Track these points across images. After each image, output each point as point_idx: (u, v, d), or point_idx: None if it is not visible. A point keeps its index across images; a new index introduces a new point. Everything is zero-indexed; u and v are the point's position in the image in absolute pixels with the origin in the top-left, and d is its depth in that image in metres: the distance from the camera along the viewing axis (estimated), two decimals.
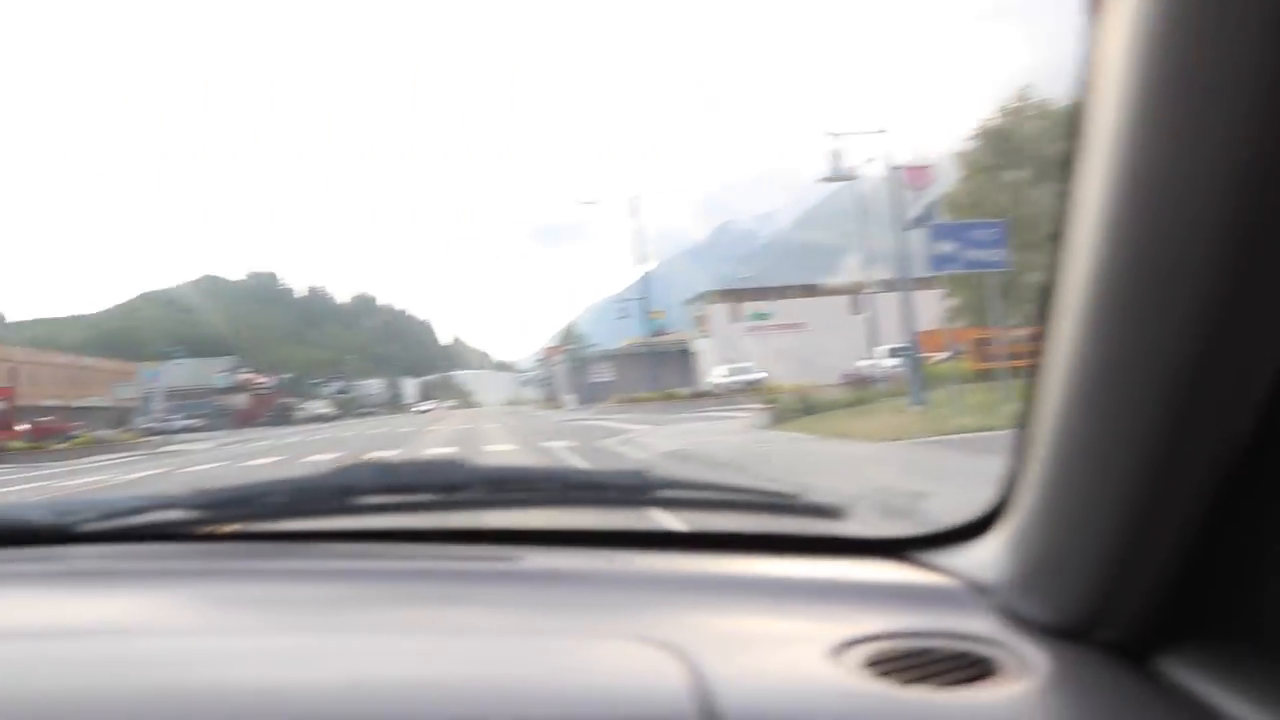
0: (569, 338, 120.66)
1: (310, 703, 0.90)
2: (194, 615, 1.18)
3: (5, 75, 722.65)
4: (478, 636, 1.07)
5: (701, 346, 62.60)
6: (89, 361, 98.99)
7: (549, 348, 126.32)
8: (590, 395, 66.94)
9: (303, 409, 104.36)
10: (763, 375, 47.05)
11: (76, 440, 42.09)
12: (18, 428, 44.70)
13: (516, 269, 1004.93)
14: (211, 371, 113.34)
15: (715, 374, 51.72)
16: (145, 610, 1.19)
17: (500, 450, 21.62)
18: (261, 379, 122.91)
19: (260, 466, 23.66)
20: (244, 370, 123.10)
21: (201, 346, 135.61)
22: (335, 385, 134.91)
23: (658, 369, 61.26)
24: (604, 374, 73.91)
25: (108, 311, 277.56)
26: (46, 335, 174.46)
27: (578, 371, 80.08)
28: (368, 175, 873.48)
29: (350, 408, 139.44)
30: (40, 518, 1.51)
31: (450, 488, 1.46)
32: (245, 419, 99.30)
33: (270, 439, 45.81)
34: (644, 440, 18.95)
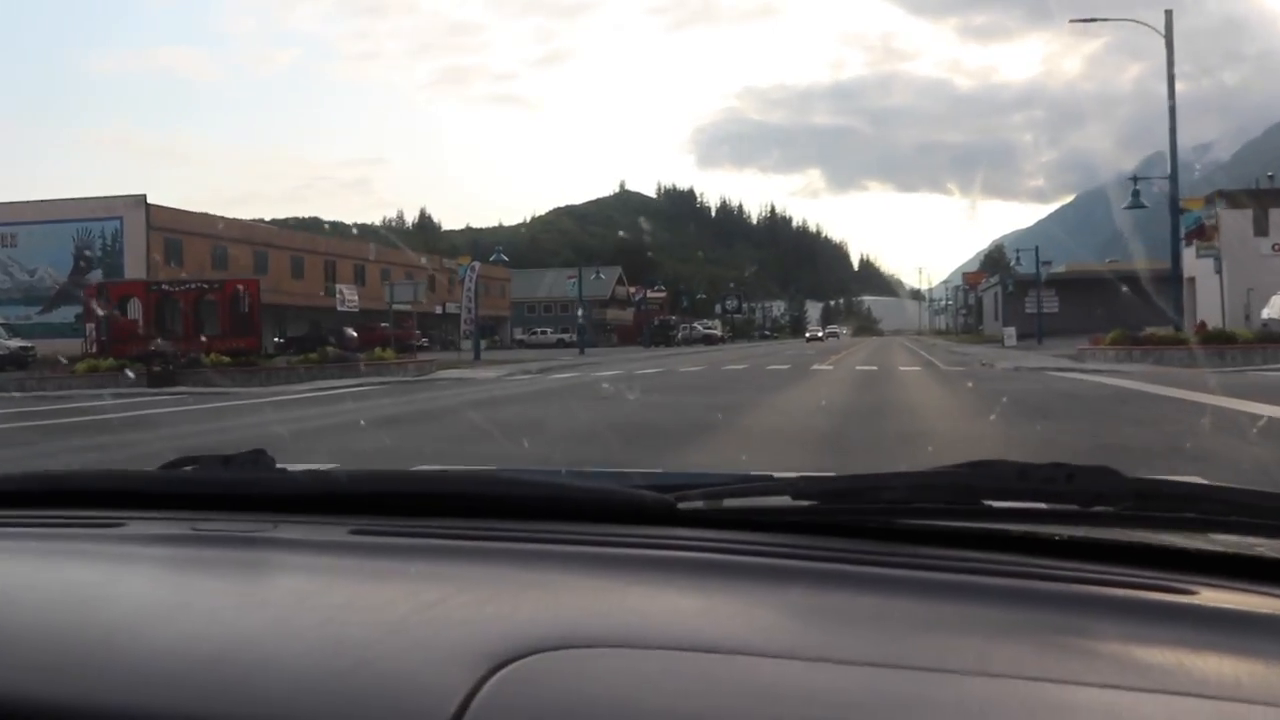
0: (995, 264, 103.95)
1: None
2: (813, 634, 1.01)
3: None
4: (1170, 693, 0.84)
5: (1201, 270, 45.52)
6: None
7: (970, 274, 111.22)
8: (1030, 330, 51.82)
9: (689, 328, 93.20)
10: None
11: (377, 355, 32.48)
12: None
13: (929, 197, 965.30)
14: (599, 282, 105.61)
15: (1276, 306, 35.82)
16: (770, 619, 1.07)
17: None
18: (652, 293, 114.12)
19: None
20: (634, 284, 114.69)
21: (608, 258, 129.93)
22: (730, 305, 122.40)
23: (1120, 301, 46.40)
24: (1048, 304, 59.18)
25: (525, 224, 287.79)
26: (466, 245, 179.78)
27: (1013, 300, 64.65)
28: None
29: (746, 330, 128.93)
30: (647, 494, 1.40)
31: (1093, 498, 1.24)
32: (627, 336, 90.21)
33: (620, 363, 35.23)
34: None
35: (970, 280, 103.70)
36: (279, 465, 1.66)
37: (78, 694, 0.87)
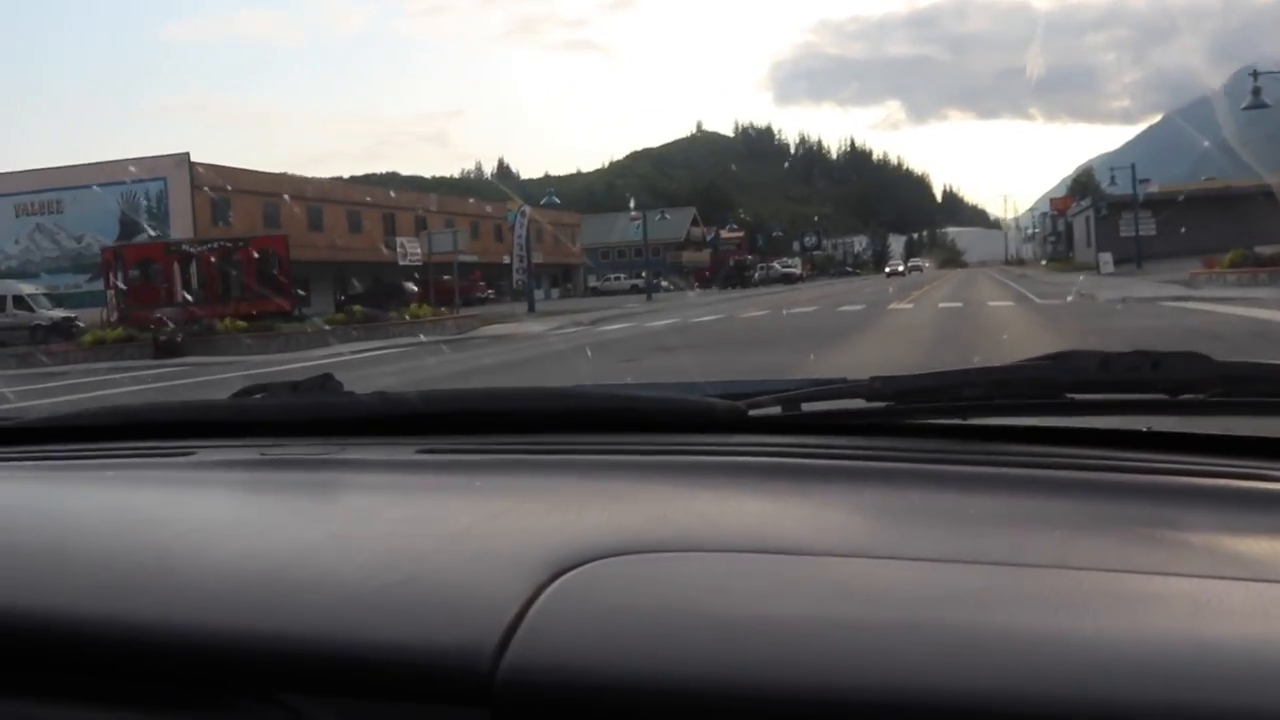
0: (1084, 188, 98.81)
1: (1068, 660, 0.69)
2: (885, 533, 1.00)
3: None
4: (1263, 581, 0.81)
5: None
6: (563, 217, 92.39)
7: (1057, 200, 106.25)
8: (1128, 255, 47.96)
9: (766, 268, 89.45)
10: None
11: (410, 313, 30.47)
12: None
13: (1011, 124, 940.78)
14: (673, 224, 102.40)
15: None
16: (842, 520, 1.06)
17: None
18: (727, 233, 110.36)
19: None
20: (708, 225, 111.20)
21: (685, 201, 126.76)
22: (809, 241, 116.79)
23: (1224, 221, 42.52)
24: (1145, 226, 55.06)
25: (602, 170, 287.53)
26: (546, 190, 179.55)
27: (1107, 224, 60.35)
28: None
29: (826, 266, 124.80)
30: (718, 402, 1.39)
31: (1180, 386, 1.21)
32: (705, 279, 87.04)
33: (677, 310, 31.94)
34: None
35: (1058, 206, 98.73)
36: (347, 390, 1.64)
37: (130, 610, 0.87)
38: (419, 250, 61.84)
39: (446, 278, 65.40)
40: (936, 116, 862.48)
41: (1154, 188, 55.94)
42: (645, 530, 0.99)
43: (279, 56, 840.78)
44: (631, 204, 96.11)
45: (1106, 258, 46.36)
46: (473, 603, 0.83)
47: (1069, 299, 25.82)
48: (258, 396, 1.67)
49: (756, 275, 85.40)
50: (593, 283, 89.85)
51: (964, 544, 0.92)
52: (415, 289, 60.80)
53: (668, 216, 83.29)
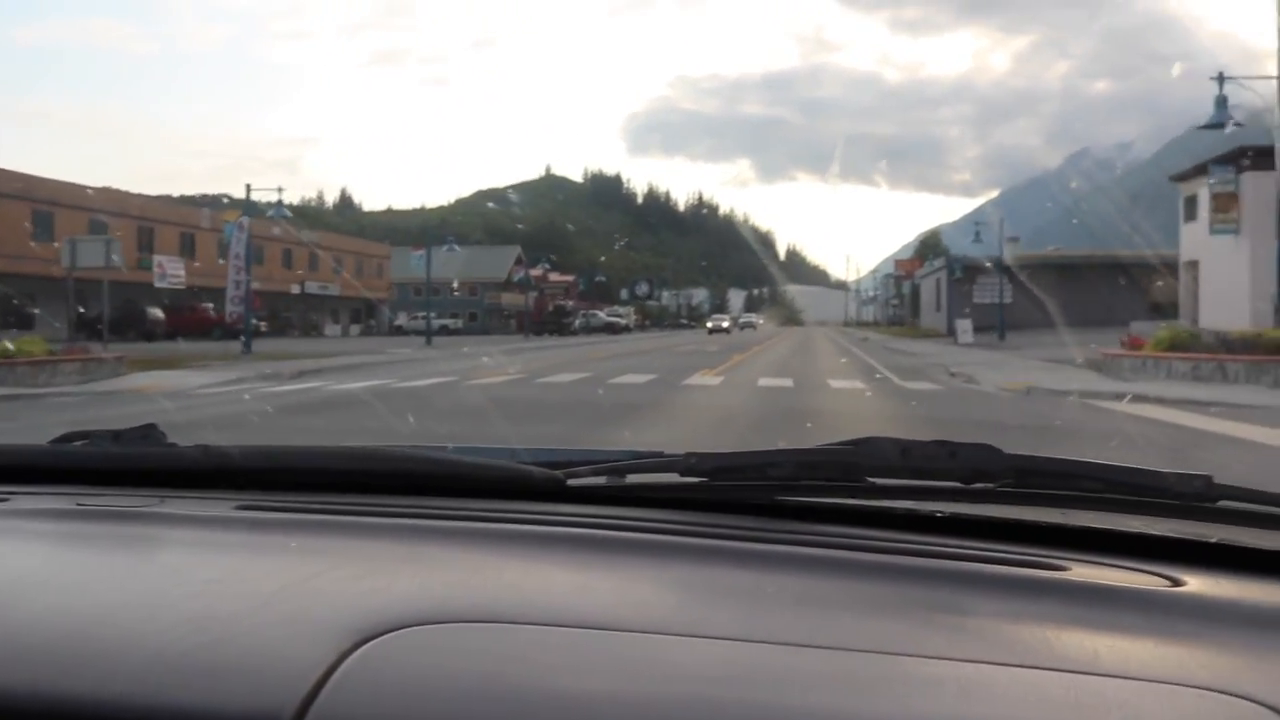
0: (932, 251, 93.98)
1: None
2: (686, 609, 1.04)
3: None
4: (1027, 667, 0.87)
5: (1210, 250, 35.35)
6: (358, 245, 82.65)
7: (903, 261, 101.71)
8: (986, 323, 41.65)
9: (587, 315, 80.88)
10: None
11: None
12: None
13: (859, 189, 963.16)
14: (493, 263, 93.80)
15: None
16: (645, 595, 1.08)
17: None
18: (557, 276, 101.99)
19: None
20: (535, 266, 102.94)
21: (528, 243, 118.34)
22: (640, 290, 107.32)
23: (1104, 290, 37.30)
24: (997, 293, 49.28)
25: (447, 206, 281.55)
26: (386, 224, 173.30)
27: (959, 289, 54.33)
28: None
29: (661, 317, 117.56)
30: (536, 470, 1.43)
31: (974, 474, 1.26)
32: (536, 322, 78.36)
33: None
34: None
35: (905, 268, 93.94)
36: (169, 441, 1.61)
37: None
38: (181, 272, 52.94)
39: (209, 305, 55.42)
40: (785, 176, 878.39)
41: (1013, 249, 49.57)
42: (452, 599, 1.00)
43: (132, 67, 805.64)
44: (468, 243, 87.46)
45: (966, 325, 39.77)
46: (276, 669, 0.83)
47: (945, 382, 18.51)
48: (78, 443, 1.63)
49: (576, 323, 77.10)
50: (398, 320, 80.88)
51: (760, 623, 0.96)
52: (162, 315, 51.63)
53: (456, 249, 73.68)
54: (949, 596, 1.04)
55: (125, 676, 0.83)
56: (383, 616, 0.91)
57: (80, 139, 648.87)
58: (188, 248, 56.77)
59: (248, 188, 40.11)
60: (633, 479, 1.38)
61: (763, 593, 1.04)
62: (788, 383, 19.08)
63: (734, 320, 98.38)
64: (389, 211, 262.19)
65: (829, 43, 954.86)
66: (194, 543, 1.25)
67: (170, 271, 51.07)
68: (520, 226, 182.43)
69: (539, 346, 43.55)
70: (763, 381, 19.29)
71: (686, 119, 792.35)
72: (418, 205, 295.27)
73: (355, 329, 75.29)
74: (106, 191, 66.08)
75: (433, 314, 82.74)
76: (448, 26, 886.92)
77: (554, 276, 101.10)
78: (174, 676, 0.83)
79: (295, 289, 68.05)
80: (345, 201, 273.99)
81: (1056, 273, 50.68)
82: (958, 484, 1.26)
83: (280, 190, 42.68)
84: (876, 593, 1.05)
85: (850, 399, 15.51)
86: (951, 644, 0.91)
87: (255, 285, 45.95)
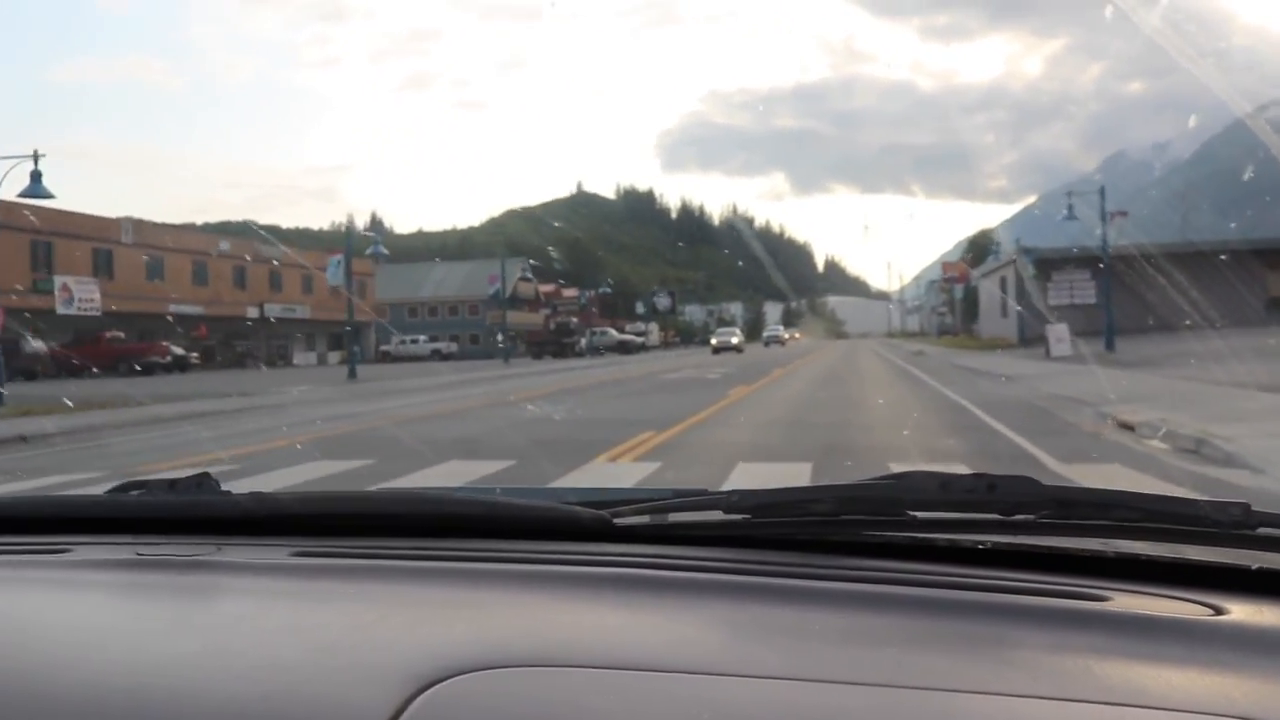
0: (983, 252, 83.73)
1: None
2: (731, 649, 1.06)
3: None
4: (1072, 700, 0.88)
5: None
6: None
7: (951, 264, 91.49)
8: (1076, 327, 31.76)
9: (595, 333, 71.25)
10: None
11: None
12: None
13: (895, 199, 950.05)
14: (495, 279, 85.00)
15: None
16: (693, 635, 1.10)
17: None
18: (567, 291, 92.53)
19: None
20: (546, 282, 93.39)
21: (559, 260, 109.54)
22: (661, 304, 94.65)
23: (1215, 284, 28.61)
24: (1082, 292, 40.55)
25: (477, 226, 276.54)
26: (422, 247, 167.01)
27: (1035, 289, 44.44)
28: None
29: (691, 334, 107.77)
30: (584, 511, 1.45)
31: (1014, 507, 1.29)
32: (534, 343, 69.13)
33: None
34: None
35: (955, 271, 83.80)
36: (224, 488, 1.65)
37: None
38: (95, 296, 43.91)
39: (114, 333, 46.01)
40: (820, 189, 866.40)
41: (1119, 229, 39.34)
42: (507, 644, 1.02)
43: (168, 103, 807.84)
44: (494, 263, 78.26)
45: (1061, 331, 29.85)
46: (342, 717, 0.85)
47: (1139, 457, 9.15)
48: (135, 493, 1.64)
49: (583, 343, 67.68)
50: (386, 346, 71.86)
51: (807, 660, 0.98)
52: (44, 348, 42.32)
53: (439, 262, 64.35)
54: (993, 629, 1.06)
55: None
56: (442, 662, 0.92)
57: (114, 173, 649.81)
58: (106, 266, 48.07)
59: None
60: (677, 518, 1.42)
61: (809, 629, 1.06)
62: (803, 468, 9.09)
63: (767, 335, 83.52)
64: (419, 234, 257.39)
65: (860, 53, 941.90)
66: (253, 591, 1.27)
67: (81, 295, 42.38)
68: (549, 247, 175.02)
69: (531, 373, 34.70)
70: (738, 472, 9.07)
71: (720, 133, 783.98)
72: (449, 226, 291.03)
73: (335, 356, 66.09)
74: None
75: (422, 337, 73.98)
76: (477, 49, 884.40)
77: (567, 292, 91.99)
78: None
79: (253, 312, 59.13)
80: (375, 225, 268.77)
81: (1160, 264, 40.87)
82: (998, 516, 1.27)
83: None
84: (920, 627, 1.06)
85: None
86: (996, 678, 0.93)
87: (195, 310, 37.11)
